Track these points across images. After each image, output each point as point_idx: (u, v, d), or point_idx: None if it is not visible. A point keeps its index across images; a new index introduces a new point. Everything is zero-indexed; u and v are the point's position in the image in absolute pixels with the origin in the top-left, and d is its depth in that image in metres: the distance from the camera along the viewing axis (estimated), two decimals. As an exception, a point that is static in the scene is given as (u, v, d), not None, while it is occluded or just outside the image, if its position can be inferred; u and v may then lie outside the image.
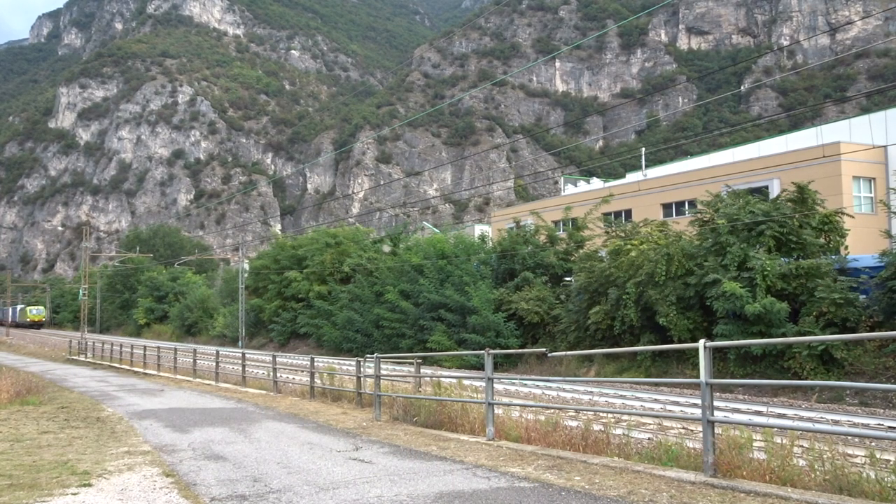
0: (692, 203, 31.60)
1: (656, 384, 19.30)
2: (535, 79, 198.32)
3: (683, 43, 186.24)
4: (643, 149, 49.01)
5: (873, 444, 9.92)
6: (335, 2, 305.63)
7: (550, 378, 14.36)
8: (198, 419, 13.22)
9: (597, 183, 53.52)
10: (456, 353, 18.84)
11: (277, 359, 20.56)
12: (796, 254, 20.23)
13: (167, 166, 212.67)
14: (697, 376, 7.10)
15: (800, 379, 17.39)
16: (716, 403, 7.75)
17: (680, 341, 20.10)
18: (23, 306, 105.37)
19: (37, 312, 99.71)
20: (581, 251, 28.85)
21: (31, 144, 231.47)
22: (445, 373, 19.56)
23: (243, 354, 23.26)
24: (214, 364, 22.93)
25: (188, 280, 70.81)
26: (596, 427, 9.74)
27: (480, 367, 24.28)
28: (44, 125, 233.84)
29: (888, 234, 19.62)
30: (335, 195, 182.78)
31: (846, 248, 20.80)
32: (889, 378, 16.56)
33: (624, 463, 7.80)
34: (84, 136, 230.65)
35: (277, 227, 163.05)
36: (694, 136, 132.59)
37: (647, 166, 46.51)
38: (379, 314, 33.61)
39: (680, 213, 35.98)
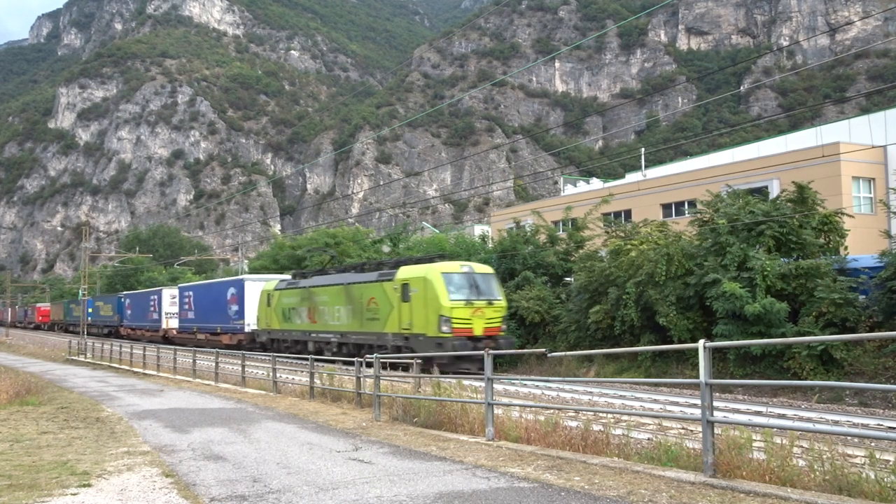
0: (692, 203, 31.60)
1: (656, 384, 19.28)
2: (534, 79, 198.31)
3: (683, 43, 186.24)
4: (643, 149, 49.02)
5: (873, 444, 9.91)
6: (335, 2, 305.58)
7: (550, 378, 14.35)
8: (197, 419, 13.21)
9: (596, 183, 53.51)
10: (456, 353, 18.77)
11: (277, 359, 20.55)
12: (796, 254, 20.23)
13: (167, 166, 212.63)
14: (697, 376, 7.10)
15: (799, 379, 17.38)
16: (715, 403, 7.76)
17: (680, 341, 20.10)
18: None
19: None
20: (581, 251, 28.84)
21: (31, 145, 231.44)
22: (445, 373, 19.46)
23: (243, 354, 23.24)
24: (214, 364, 22.92)
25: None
26: (595, 427, 9.73)
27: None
28: (43, 125, 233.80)
29: (888, 234, 19.63)
30: (335, 195, 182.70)
31: (846, 248, 20.81)
32: (889, 378, 16.56)
33: (623, 463, 7.80)
34: (84, 136, 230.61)
35: (277, 228, 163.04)
36: (693, 137, 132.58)
37: (646, 166, 46.52)
38: (380, 314, 32.84)
39: (680, 213, 35.99)
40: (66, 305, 75.73)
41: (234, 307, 36.25)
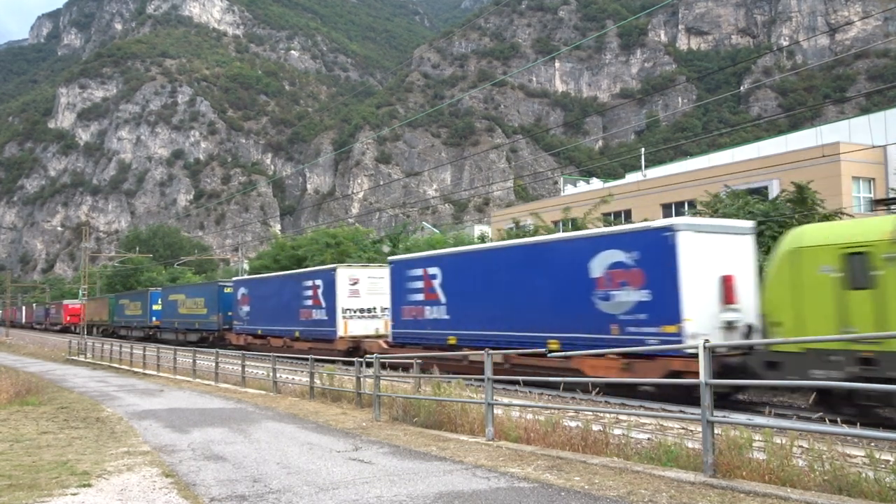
0: (692, 203, 31.58)
1: (655, 384, 19.26)
2: (534, 79, 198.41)
3: (683, 43, 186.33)
4: (643, 149, 49.04)
5: (873, 444, 9.92)
6: (335, 2, 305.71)
7: (549, 378, 14.34)
8: (197, 419, 13.21)
9: (596, 183, 53.51)
10: (456, 353, 18.75)
11: (277, 359, 20.54)
12: (796, 254, 20.20)
13: (167, 166, 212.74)
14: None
15: (799, 379, 17.35)
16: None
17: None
18: None
19: None
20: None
21: (31, 145, 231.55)
22: (445, 373, 19.38)
23: (243, 354, 23.23)
24: (214, 364, 22.91)
25: (188, 280, 70.69)
26: (595, 427, 9.73)
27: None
28: (43, 125, 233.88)
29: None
30: (335, 195, 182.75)
31: (846, 248, 20.77)
32: (888, 378, 16.53)
33: (623, 463, 7.81)
34: (84, 136, 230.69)
35: (277, 228, 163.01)
36: (693, 137, 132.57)
37: (646, 166, 46.52)
38: (380, 314, 32.08)
39: (679, 213, 35.98)
40: (114, 302, 55.28)
41: (638, 295, 15.18)
